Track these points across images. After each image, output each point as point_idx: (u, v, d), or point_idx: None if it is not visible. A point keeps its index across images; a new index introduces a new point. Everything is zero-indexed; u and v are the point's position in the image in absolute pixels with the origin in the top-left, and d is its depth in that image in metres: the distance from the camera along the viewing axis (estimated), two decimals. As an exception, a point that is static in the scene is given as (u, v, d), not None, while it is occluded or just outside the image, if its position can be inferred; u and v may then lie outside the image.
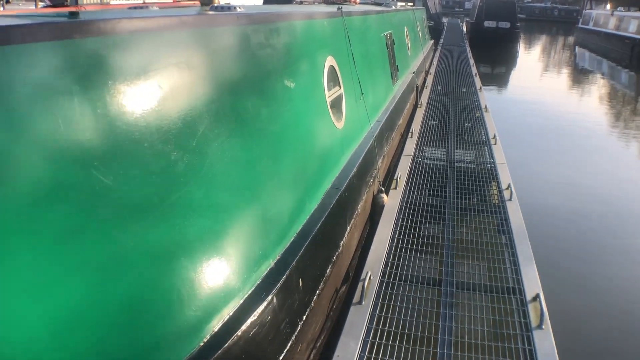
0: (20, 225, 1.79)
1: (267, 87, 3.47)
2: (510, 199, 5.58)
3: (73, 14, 2.34)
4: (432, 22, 28.57)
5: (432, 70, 15.35)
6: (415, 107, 10.51)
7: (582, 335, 5.13)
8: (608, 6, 42.95)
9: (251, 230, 2.83)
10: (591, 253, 6.82)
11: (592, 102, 18.53)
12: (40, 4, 15.02)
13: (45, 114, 1.91)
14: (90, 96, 2.08)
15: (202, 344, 2.29)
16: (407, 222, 5.01)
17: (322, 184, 4.05)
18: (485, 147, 7.64)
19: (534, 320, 3.58)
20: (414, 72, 11.96)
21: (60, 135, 1.95)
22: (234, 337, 2.40)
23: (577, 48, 39.10)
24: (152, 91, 2.36)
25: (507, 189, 5.85)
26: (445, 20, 40.20)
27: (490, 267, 4.30)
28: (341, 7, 5.85)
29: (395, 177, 5.93)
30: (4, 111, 1.79)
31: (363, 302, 3.65)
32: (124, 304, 2.06)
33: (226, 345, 2.35)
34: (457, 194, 5.82)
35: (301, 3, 11.18)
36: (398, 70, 9.79)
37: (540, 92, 19.58)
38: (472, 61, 18.26)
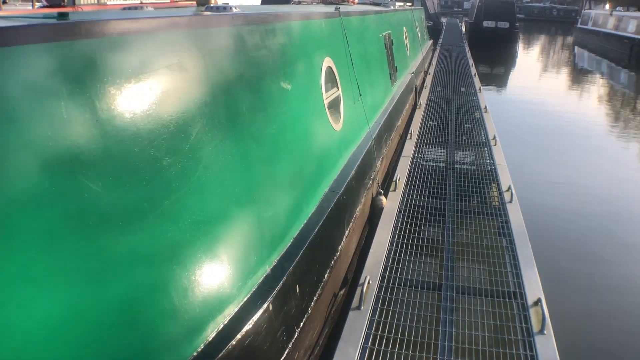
0: (10, 228, 1.73)
1: (263, 88, 3.41)
2: (510, 201, 5.52)
3: (62, 16, 2.27)
4: (431, 22, 28.55)
5: (431, 70, 15.29)
6: (414, 107, 10.45)
7: (584, 339, 5.09)
8: (607, 6, 42.96)
9: (246, 236, 2.76)
10: (591, 252, 6.81)
11: (591, 102, 18.51)
12: (38, 4, 14.98)
13: (34, 117, 1.85)
14: (79, 100, 2.02)
15: (196, 353, 2.23)
16: (406, 224, 4.95)
17: (320, 187, 3.98)
18: (485, 148, 7.59)
19: (535, 325, 3.52)
20: (412, 73, 11.90)
21: (49, 139, 1.88)
22: (229, 346, 2.34)
23: (576, 48, 39.09)
24: (144, 94, 2.30)
25: (508, 190, 5.79)
26: (444, 20, 40.18)
27: (490, 270, 4.24)
28: (339, 8, 5.78)
29: (394, 179, 5.87)
30: None
31: (362, 308, 3.59)
32: (114, 312, 2.00)
33: (221, 354, 2.29)
34: (457, 195, 5.76)
35: (299, 3, 11.12)
36: (397, 71, 9.72)
37: (539, 92, 19.56)
38: (471, 61, 18.21)
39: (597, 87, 21.95)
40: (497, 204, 5.64)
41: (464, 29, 37.89)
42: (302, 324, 3.03)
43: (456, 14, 64.94)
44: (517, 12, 37.33)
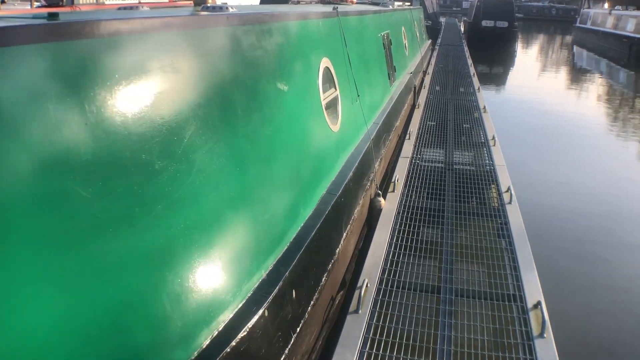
0: (2, 232, 1.69)
1: (260, 89, 3.36)
2: (510, 202, 5.48)
3: (52, 16, 2.22)
4: (430, 22, 28.51)
5: (430, 70, 15.25)
6: (413, 107, 10.41)
7: (583, 338, 5.06)
8: (606, 5, 42.93)
9: (242, 240, 2.72)
10: (590, 252, 6.79)
11: (590, 101, 18.49)
12: (36, 4, 14.98)
13: (23, 120, 1.80)
14: (69, 102, 1.97)
15: (189, 361, 2.18)
16: (405, 226, 4.91)
17: (317, 189, 3.93)
18: (484, 149, 7.54)
19: (535, 328, 3.48)
20: (411, 73, 11.86)
21: (36, 143, 1.84)
22: (224, 353, 2.29)
23: (575, 47, 39.05)
24: (137, 96, 2.25)
25: (507, 191, 5.75)
26: (442, 19, 40.17)
27: (490, 273, 4.19)
28: (337, 7, 5.73)
29: (392, 180, 5.82)
30: None
31: (360, 311, 3.54)
32: (104, 319, 1.95)
33: None
34: (456, 197, 5.72)
35: (297, 3, 11.07)
36: (395, 71, 9.68)
37: (538, 91, 19.55)
38: (470, 61, 18.17)
39: (596, 86, 21.92)
40: (496, 205, 5.59)
41: (462, 29, 37.86)
42: (298, 329, 2.99)
43: (455, 14, 64.93)
44: (515, 12, 37.30)
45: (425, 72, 15.29)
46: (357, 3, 10.28)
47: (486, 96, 12.33)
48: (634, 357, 4.84)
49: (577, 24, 45.45)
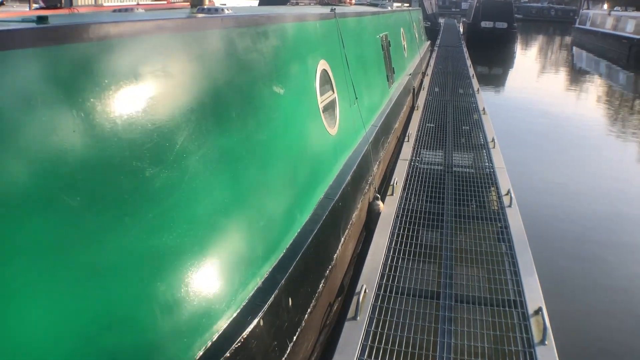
0: None
1: (256, 93, 3.30)
2: (510, 206, 5.42)
3: (41, 19, 2.16)
4: (429, 23, 28.50)
5: (429, 71, 15.20)
6: (412, 109, 10.35)
7: (584, 341, 5.04)
8: (605, 6, 42.93)
9: (237, 248, 2.65)
10: (590, 252, 6.79)
11: (590, 102, 18.47)
12: (35, 6, 14.94)
13: (10, 127, 1.75)
14: (59, 108, 1.91)
15: (182, 372, 2.12)
16: (404, 230, 4.85)
17: (314, 194, 3.87)
18: (484, 151, 7.49)
19: (536, 335, 3.42)
20: (410, 74, 11.80)
21: (22, 150, 1.78)
22: None
23: (574, 48, 39.06)
24: (128, 101, 2.19)
25: (507, 194, 5.69)
26: (441, 20, 40.15)
27: (490, 278, 4.13)
28: (334, 9, 5.67)
29: (391, 183, 5.76)
30: None
31: (358, 318, 3.48)
32: (94, 329, 1.89)
33: None
34: (455, 200, 5.66)
35: (297, 4, 11.02)
36: (394, 73, 9.62)
37: (538, 92, 19.54)
38: (469, 62, 18.13)
39: (596, 87, 21.90)
40: (496, 208, 5.53)
41: (461, 30, 37.84)
42: (295, 337, 2.93)
43: (454, 15, 64.93)
44: (515, 13, 37.28)
45: (424, 74, 15.24)
46: (355, 4, 10.24)
47: (485, 97, 12.29)
48: (634, 358, 4.82)
49: (577, 25, 45.47)
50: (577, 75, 25.89)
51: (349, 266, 4.63)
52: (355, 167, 4.89)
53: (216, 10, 3.58)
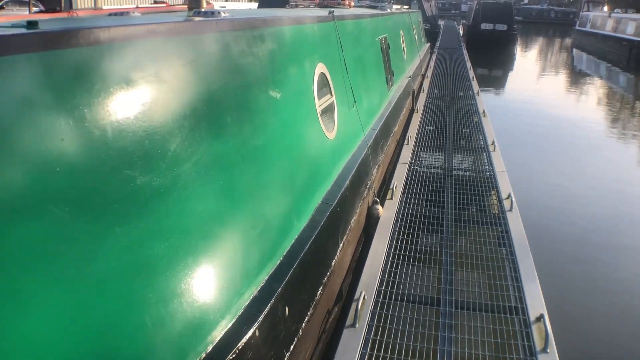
0: None
1: (252, 97, 3.24)
2: (510, 209, 5.37)
3: (31, 24, 2.11)
4: (428, 25, 28.45)
5: (429, 73, 15.16)
6: (411, 112, 10.30)
7: (585, 342, 5.03)
8: (605, 8, 42.91)
9: (231, 256, 2.59)
10: (590, 254, 6.79)
11: (590, 104, 18.44)
12: (34, 9, 14.94)
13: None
14: (52, 113, 1.86)
15: (175, 385, 2.07)
16: (403, 235, 4.79)
17: (312, 199, 3.81)
18: (484, 154, 7.43)
19: (538, 343, 3.37)
20: (410, 77, 11.75)
21: (8, 158, 1.73)
22: None
23: (574, 50, 39.04)
24: (119, 107, 2.14)
25: (507, 198, 5.64)
26: (441, 22, 40.08)
27: (490, 284, 4.08)
28: (332, 11, 5.62)
29: (391, 187, 5.71)
30: None
31: (357, 325, 3.43)
32: (86, 341, 1.84)
33: None
34: (455, 204, 5.60)
35: (296, 6, 10.98)
36: (393, 75, 9.57)
37: (538, 94, 19.51)
38: (469, 64, 18.08)
39: (596, 89, 21.87)
40: (496, 212, 5.48)
41: (461, 32, 37.79)
42: (292, 347, 2.87)
43: (454, 17, 64.88)
44: (514, 15, 37.24)
45: (424, 76, 15.20)
46: (354, 6, 10.19)
47: (485, 99, 12.25)
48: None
49: (577, 27, 45.43)
50: (577, 77, 25.85)
51: (347, 272, 4.57)
52: (354, 171, 4.83)
53: (212, 13, 3.53)
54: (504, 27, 33.74)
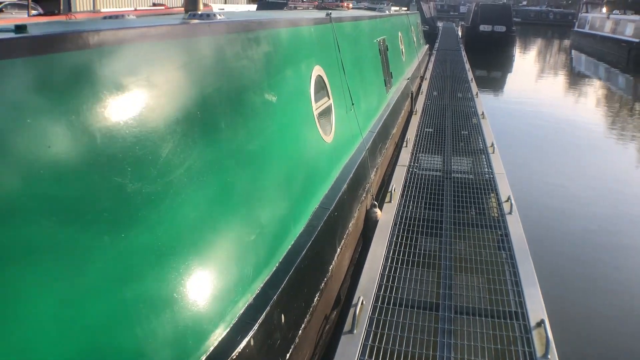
0: None
1: (248, 100, 3.19)
2: (510, 213, 5.32)
3: (20, 29, 2.06)
4: (427, 27, 28.39)
5: (428, 75, 15.12)
6: (410, 114, 10.26)
7: (585, 342, 5.02)
8: (604, 9, 42.93)
9: (226, 264, 2.54)
10: (590, 254, 6.79)
11: (589, 105, 18.43)
12: (33, 12, 14.96)
13: None
14: (38, 119, 1.81)
15: (167, 396, 2.01)
16: (402, 238, 4.74)
17: (309, 204, 3.76)
18: (483, 156, 7.39)
19: (538, 349, 3.31)
20: (408, 78, 11.70)
21: (3, 164, 1.68)
22: None
23: (573, 51, 39.07)
24: (112, 112, 2.09)
25: (507, 201, 5.59)
26: (440, 24, 40.05)
27: (490, 288, 4.02)
28: (330, 13, 5.57)
29: (389, 190, 5.66)
30: None
31: (355, 331, 3.37)
32: (71, 350, 1.78)
33: None
34: (455, 206, 5.55)
35: (295, 8, 10.95)
36: (392, 77, 9.53)
37: (537, 95, 19.51)
38: (467, 66, 18.04)
39: (595, 90, 21.86)
40: (496, 215, 5.43)
41: (460, 33, 37.77)
42: (288, 355, 2.82)
43: (452, 18, 64.90)
44: (513, 16, 37.24)
45: (422, 78, 15.16)
46: (353, 8, 10.15)
47: (484, 101, 12.22)
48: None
49: (575, 28, 45.47)
50: (576, 78, 25.85)
51: (345, 276, 4.52)
52: (352, 174, 4.78)
53: (207, 15, 3.48)
54: (502, 28, 33.74)
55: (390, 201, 5.46)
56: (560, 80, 24.85)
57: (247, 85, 3.22)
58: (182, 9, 7.22)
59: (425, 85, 13.24)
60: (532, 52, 39.22)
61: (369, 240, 4.74)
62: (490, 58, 30.34)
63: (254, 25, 3.55)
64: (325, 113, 4.65)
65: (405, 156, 7.10)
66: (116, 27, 2.32)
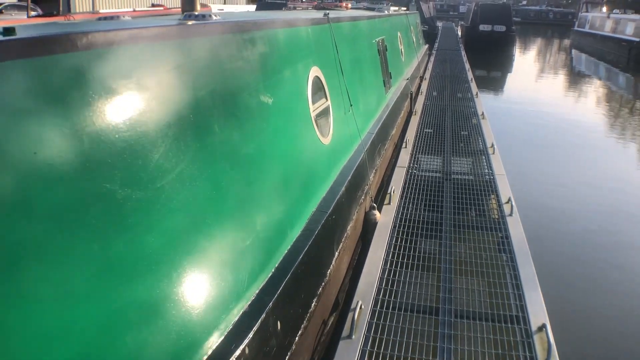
0: None
1: (243, 102, 3.13)
2: (510, 214, 5.26)
3: (7, 31, 2.00)
4: (427, 27, 28.33)
5: (427, 75, 15.07)
6: (409, 114, 10.20)
7: (582, 341, 5.02)
8: (604, 9, 42.89)
9: (220, 270, 2.48)
10: (590, 254, 6.78)
11: (590, 105, 18.40)
12: (32, 13, 14.95)
13: None
14: (23, 124, 1.76)
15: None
16: (401, 241, 4.69)
17: (307, 207, 3.70)
18: (483, 157, 7.33)
19: (540, 354, 3.26)
20: (407, 79, 11.64)
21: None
22: None
23: (573, 51, 39.02)
24: (102, 116, 2.03)
25: (507, 202, 5.53)
26: (439, 24, 39.99)
27: (491, 292, 3.97)
28: (328, 13, 5.51)
29: (388, 191, 5.61)
30: None
31: (353, 337, 3.32)
32: None
33: None
34: (455, 208, 5.50)
35: (294, 8, 10.90)
36: (391, 77, 9.47)
37: (537, 95, 19.48)
38: (467, 66, 17.98)
39: (595, 89, 21.81)
40: (496, 217, 5.37)
41: (460, 33, 37.72)
42: None
43: (452, 18, 64.77)
44: (513, 16, 37.19)
45: (422, 78, 15.10)
46: (351, 8, 10.09)
47: (484, 101, 12.17)
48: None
49: (575, 28, 45.44)
50: (576, 78, 25.81)
51: (343, 280, 4.46)
52: (350, 176, 4.72)
53: (203, 16, 3.42)
54: (502, 28, 33.70)
55: (389, 203, 5.41)
56: (560, 79, 24.80)
57: (243, 87, 3.16)
58: (180, 9, 7.17)
59: (424, 86, 13.18)
60: (532, 52, 39.18)
61: (368, 243, 4.69)
62: (490, 58, 30.30)
63: (250, 25, 3.49)
64: (323, 114, 4.59)
65: (404, 157, 7.04)
66: (108, 29, 2.26)
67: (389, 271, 4.17)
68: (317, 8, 9.29)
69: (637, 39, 29.08)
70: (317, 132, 4.27)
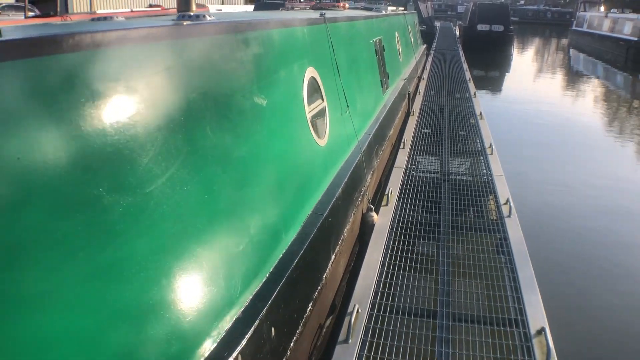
0: None
1: (237, 104, 3.09)
2: (509, 216, 5.22)
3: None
4: (424, 27, 28.28)
5: (425, 75, 15.03)
6: (407, 115, 10.17)
7: (584, 341, 4.99)
8: (602, 8, 42.90)
9: (212, 276, 2.43)
10: (589, 252, 6.76)
11: (588, 104, 18.37)
12: (30, 14, 14.90)
13: None
14: (9, 126, 1.71)
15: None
16: (399, 243, 4.64)
17: (302, 210, 3.65)
18: (481, 157, 7.29)
19: (539, 358, 3.22)
20: (405, 79, 11.60)
21: None
22: None
23: (571, 50, 39.03)
24: (92, 120, 1.99)
25: (506, 203, 5.49)
26: (437, 24, 39.95)
27: (489, 295, 3.92)
28: (324, 13, 5.46)
29: (386, 193, 5.56)
30: None
31: (350, 341, 3.28)
32: None
33: None
34: (452, 209, 5.45)
35: (292, 9, 10.87)
36: (389, 78, 9.42)
37: (535, 95, 19.46)
38: (465, 65, 17.95)
39: (594, 89, 21.80)
40: (494, 218, 5.33)
41: (458, 33, 37.70)
42: None
43: (450, 18, 64.74)
44: (511, 15, 37.19)
45: (420, 78, 15.07)
46: (349, 8, 10.05)
47: (482, 101, 12.15)
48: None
49: (573, 27, 45.43)
50: (574, 77, 25.80)
51: (340, 284, 4.42)
52: (347, 178, 4.67)
53: (198, 17, 3.38)
54: (500, 28, 33.69)
55: (387, 204, 5.37)
56: (558, 79, 24.78)
57: (237, 88, 3.12)
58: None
59: (422, 86, 13.14)
60: (530, 51, 39.15)
61: (365, 245, 4.64)
62: (488, 58, 30.28)
63: (245, 26, 3.44)
64: (319, 116, 4.54)
65: (402, 158, 7.00)
66: (98, 30, 2.21)
67: (386, 274, 4.13)
68: (314, 8, 9.25)
69: (635, 38, 29.07)
70: (313, 134, 4.22)
